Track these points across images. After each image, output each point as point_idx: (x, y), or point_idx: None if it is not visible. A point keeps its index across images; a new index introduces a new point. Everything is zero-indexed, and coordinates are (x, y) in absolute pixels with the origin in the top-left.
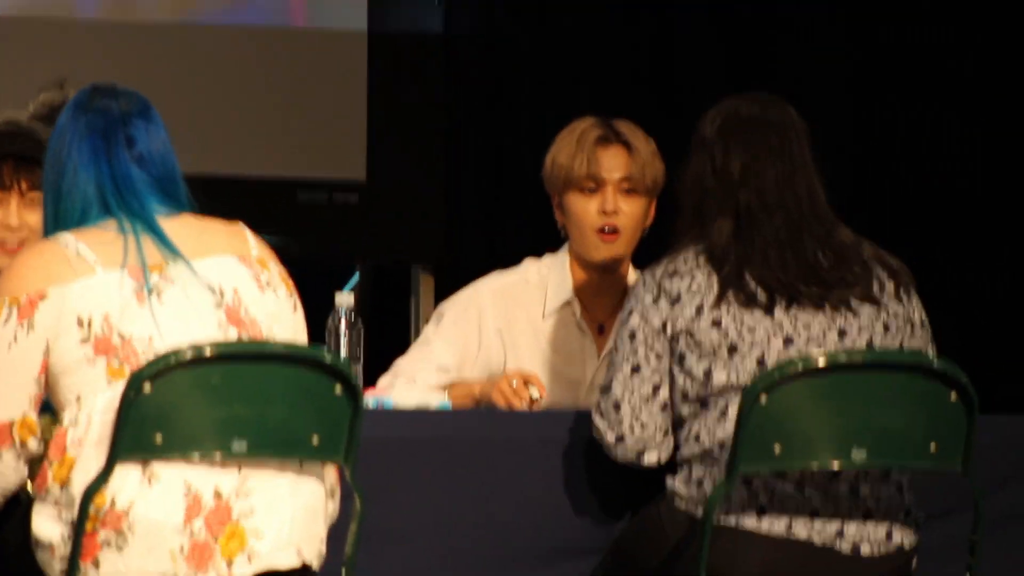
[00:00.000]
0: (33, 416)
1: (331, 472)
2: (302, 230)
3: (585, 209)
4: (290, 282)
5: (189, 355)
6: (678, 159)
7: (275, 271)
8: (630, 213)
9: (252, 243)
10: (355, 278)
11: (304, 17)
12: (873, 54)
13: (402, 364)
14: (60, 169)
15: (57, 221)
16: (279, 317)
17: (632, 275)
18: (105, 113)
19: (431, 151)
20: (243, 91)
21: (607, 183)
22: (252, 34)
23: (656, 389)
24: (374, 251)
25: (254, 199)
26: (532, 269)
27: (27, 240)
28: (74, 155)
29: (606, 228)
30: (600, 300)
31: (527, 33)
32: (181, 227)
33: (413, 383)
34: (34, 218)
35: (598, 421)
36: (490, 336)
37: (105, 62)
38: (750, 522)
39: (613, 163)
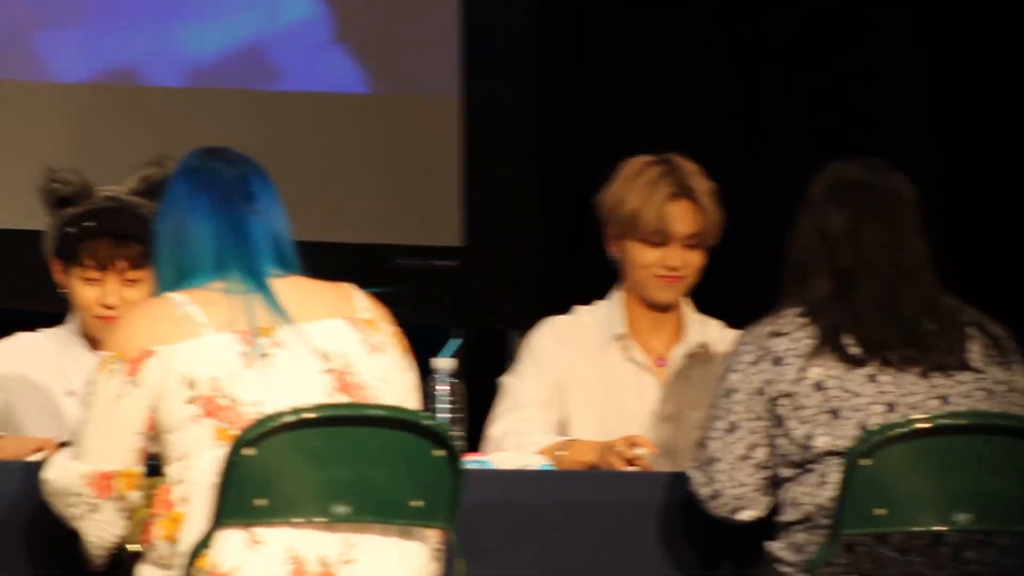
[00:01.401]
0: (136, 469)
1: (434, 536)
2: (398, 295)
3: (647, 258)
4: (402, 342)
5: (290, 418)
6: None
7: (385, 332)
8: (692, 264)
9: (360, 304)
10: (454, 343)
11: (397, 85)
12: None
13: (501, 427)
14: (175, 220)
15: (168, 272)
16: (390, 379)
17: (686, 308)
18: (220, 171)
19: (526, 216)
20: (339, 158)
21: (674, 239)
22: (347, 101)
23: (753, 448)
24: (471, 317)
25: (352, 265)
26: (584, 311)
27: None
28: (191, 208)
29: (670, 277)
30: (657, 335)
31: (620, 97)
32: (292, 289)
33: (522, 446)
34: (133, 294)
35: (695, 475)
36: (559, 372)
37: (197, 129)
38: None
39: (683, 220)
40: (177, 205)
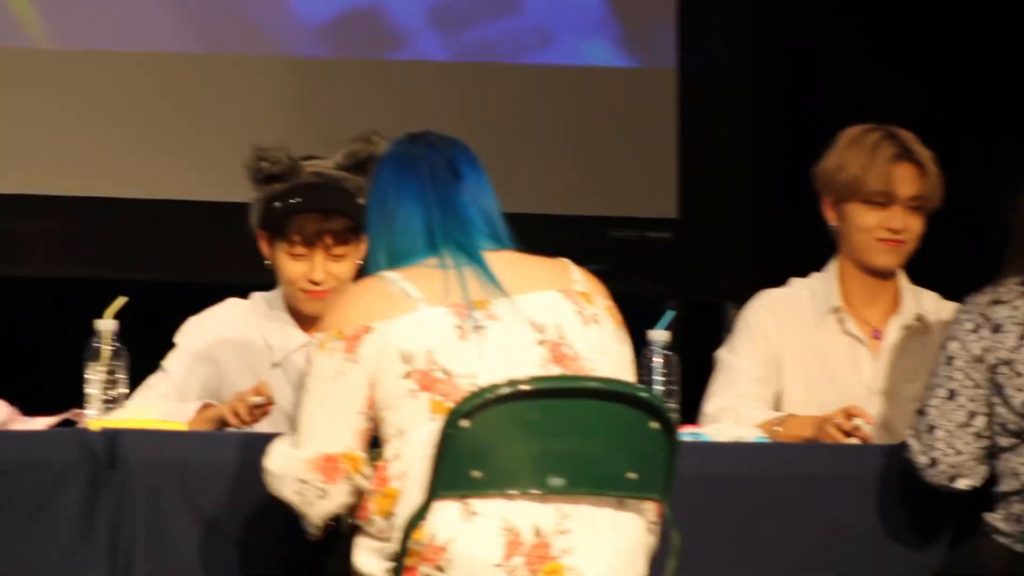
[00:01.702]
0: (360, 453)
1: (649, 508)
2: (613, 268)
3: (870, 220)
4: (617, 315)
5: (506, 390)
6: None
7: (600, 305)
8: (914, 229)
9: (576, 277)
10: (669, 315)
11: (614, 55)
12: None
13: (717, 404)
14: (385, 206)
15: (381, 258)
16: (604, 351)
17: (902, 280)
18: (429, 152)
19: (741, 187)
20: (555, 129)
21: (897, 200)
22: (561, 73)
23: (972, 416)
24: (686, 289)
25: (565, 237)
26: (798, 283)
27: (335, 289)
28: (401, 190)
29: (892, 243)
30: (873, 307)
31: (833, 67)
32: (505, 263)
33: (739, 422)
34: (340, 269)
35: (912, 443)
36: (775, 346)
37: (415, 103)
38: None
39: (906, 182)
40: (386, 190)
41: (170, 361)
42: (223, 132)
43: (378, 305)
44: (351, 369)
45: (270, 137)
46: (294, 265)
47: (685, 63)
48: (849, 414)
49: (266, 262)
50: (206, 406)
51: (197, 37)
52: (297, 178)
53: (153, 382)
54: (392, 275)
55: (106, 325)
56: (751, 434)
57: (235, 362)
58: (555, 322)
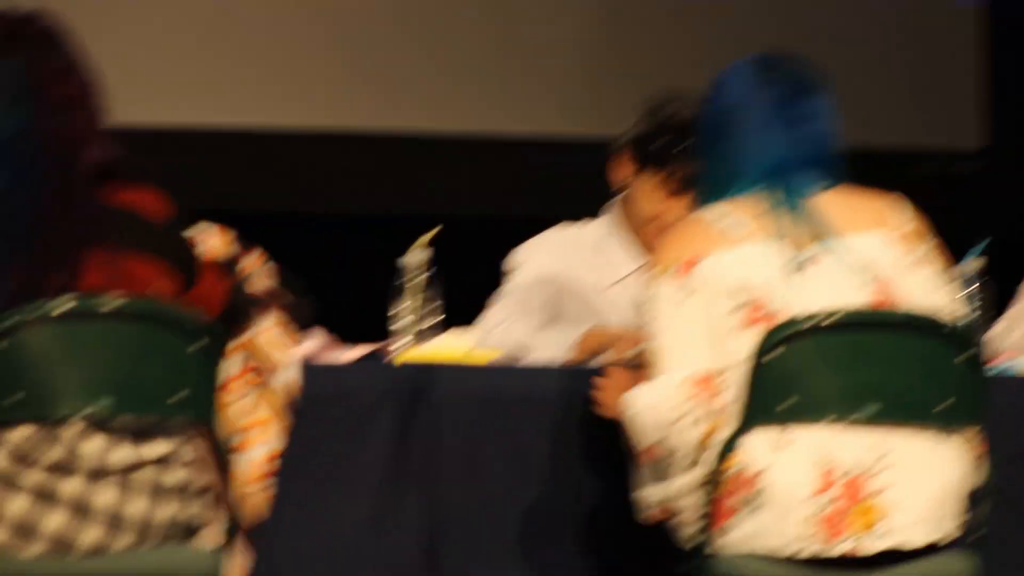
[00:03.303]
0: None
1: (971, 440)
2: (920, 201)
3: None
4: (943, 258)
5: (815, 322)
6: None
7: (927, 247)
8: None
9: (905, 218)
10: (983, 244)
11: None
12: None
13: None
14: (728, 125)
15: (718, 181)
16: (930, 294)
17: None
18: (789, 80)
19: None
20: (866, 59)
21: None
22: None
23: None
24: (996, 222)
25: (867, 173)
26: None
27: None
28: (750, 116)
29: None
30: None
31: None
32: (836, 202)
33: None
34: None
35: None
36: None
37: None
38: None
39: None
40: (731, 108)
41: (512, 287)
42: (527, 60)
43: (706, 239)
44: (688, 299)
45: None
46: (658, 203)
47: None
48: None
49: (617, 186)
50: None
51: None
52: (691, 124)
53: (502, 307)
54: (722, 208)
55: (414, 257)
56: None
57: (570, 285)
58: (882, 263)
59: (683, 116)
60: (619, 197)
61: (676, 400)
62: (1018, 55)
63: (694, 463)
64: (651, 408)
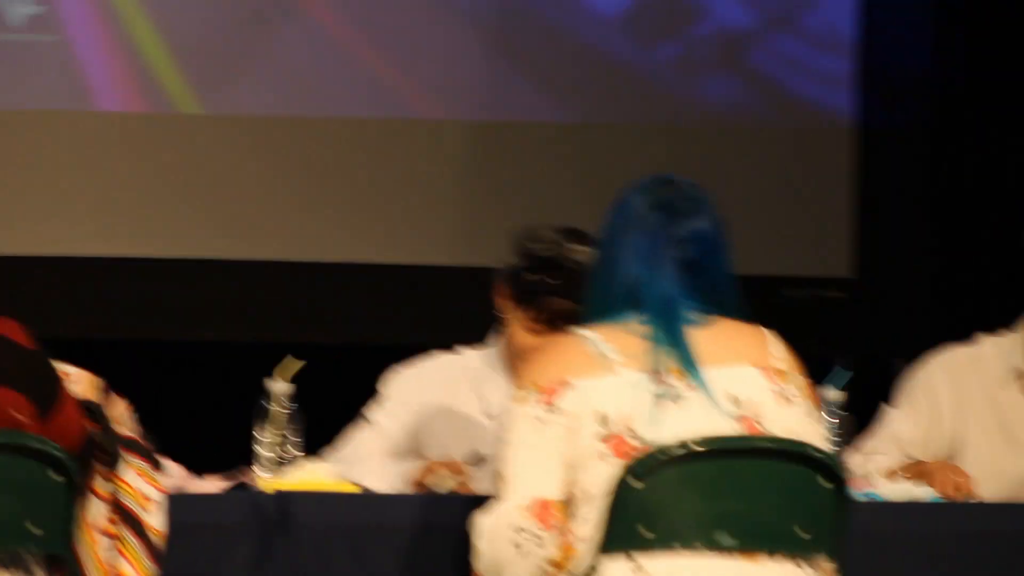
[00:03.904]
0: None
1: (826, 569)
2: (786, 328)
3: None
4: (812, 394)
5: (679, 451)
6: None
7: (796, 383)
8: None
9: (775, 353)
10: (844, 375)
11: (789, 115)
12: None
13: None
14: (609, 254)
15: (593, 308)
16: (799, 431)
17: None
18: (667, 208)
19: (920, 246)
20: (728, 189)
21: None
22: (735, 131)
23: None
24: (860, 349)
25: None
26: (986, 340)
27: None
28: (627, 245)
29: None
30: None
31: (1017, 125)
32: (709, 335)
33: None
34: None
35: None
36: (947, 409)
37: (559, 163)
38: None
39: None
40: (611, 236)
41: (378, 413)
42: (389, 194)
43: (577, 363)
44: (552, 420)
45: (441, 200)
46: (528, 338)
47: (860, 119)
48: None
49: (497, 313)
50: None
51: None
52: (561, 262)
53: (362, 436)
54: (591, 335)
55: (279, 386)
56: (925, 493)
57: (445, 415)
58: (752, 398)
59: (555, 252)
60: (503, 325)
61: (517, 522)
62: (886, 182)
63: None
64: (489, 534)
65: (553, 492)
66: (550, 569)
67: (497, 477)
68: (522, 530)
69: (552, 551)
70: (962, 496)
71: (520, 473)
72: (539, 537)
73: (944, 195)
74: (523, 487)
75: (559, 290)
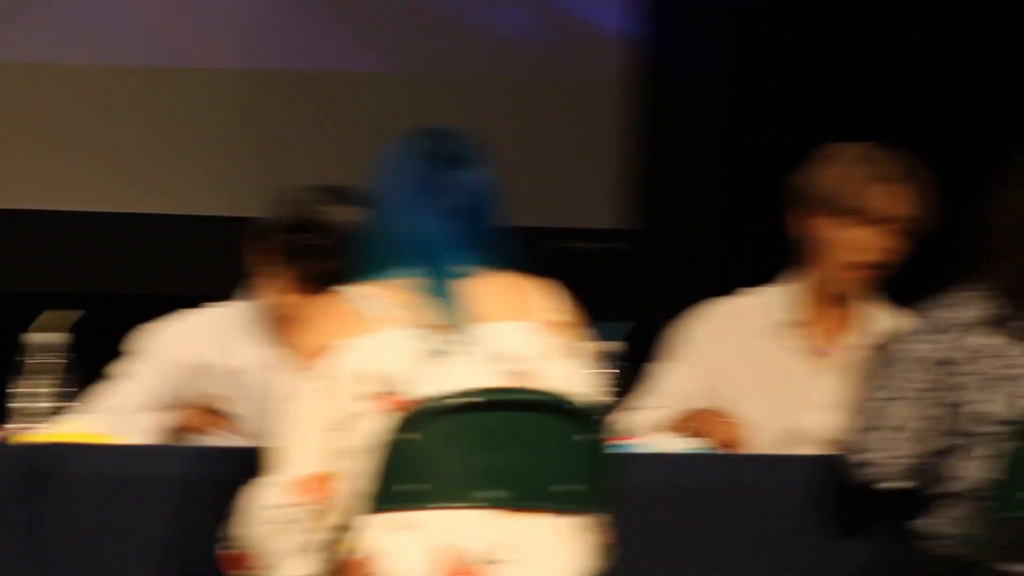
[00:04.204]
0: (338, 471)
1: (590, 519)
2: (571, 280)
3: (847, 240)
4: (589, 346)
5: (438, 404)
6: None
7: (572, 335)
8: (895, 252)
9: (552, 306)
10: (626, 327)
11: (579, 67)
12: None
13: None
14: (377, 208)
15: (365, 261)
16: (571, 386)
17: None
18: (435, 157)
19: (706, 198)
20: (516, 141)
21: (883, 221)
22: (523, 84)
23: (911, 419)
24: (645, 302)
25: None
26: (747, 295)
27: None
28: (396, 198)
29: (865, 264)
30: (823, 324)
31: (812, 82)
32: (482, 288)
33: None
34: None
35: (850, 442)
36: (714, 361)
37: (356, 114)
38: (1018, 567)
39: (895, 201)
40: (382, 190)
41: (129, 367)
42: (162, 143)
43: (345, 324)
44: (317, 387)
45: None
46: (292, 297)
47: (650, 72)
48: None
49: (248, 273)
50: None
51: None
52: (326, 222)
53: (121, 390)
54: (360, 292)
55: (37, 339)
56: (694, 443)
57: (200, 370)
58: (520, 353)
59: (319, 213)
60: (256, 282)
61: (293, 499)
62: (672, 137)
63: (303, 561)
64: (257, 512)
65: (320, 464)
66: (328, 536)
67: (266, 451)
68: (299, 506)
69: (326, 520)
70: (732, 447)
71: (288, 449)
72: (307, 511)
73: (732, 150)
74: (291, 462)
75: (324, 251)
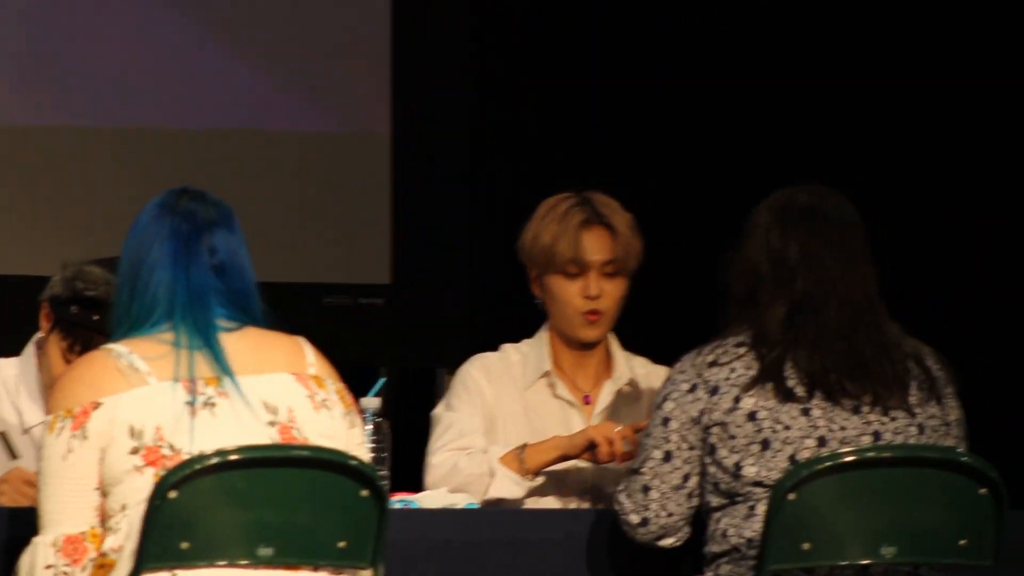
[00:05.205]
0: (99, 528)
1: None
2: (327, 334)
3: (568, 292)
4: (348, 399)
5: (214, 460)
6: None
7: (332, 389)
8: (612, 294)
9: (310, 360)
10: (381, 382)
11: (327, 121)
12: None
13: (444, 456)
14: (136, 267)
15: (122, 322)
16: (333, 436)
17: (613, 345)
18: (190, 217)
19: (456, 253)
20: (266, 197)
21: (591, 267)
22: (273, 138)
23: (686, 478)
24: (399, 355)
25: (280, 304)
26: (510, 348)
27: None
28: (154, 255)
29: (589, 310)
30: (582, 372)
31: (551, 136)
32: (242, 342)
33: (479, 463)
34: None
35: (624, 500)
36: (489, 408)
37: (132, 169)
38: None
39: (596, 246)
40: (137, 248)
41: None
42: None
43: (106, 379)
44: (80, 446)
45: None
46: (63, 365)
47: (398, 128)
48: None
49: (40, 335)
50: None
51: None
52: (103, 299)
53: None
54: (120, 348)
55: None
56: (462, 500)
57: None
58: (287, 405)
59: (96, 290)
60: (37, 342)
61: (49, 559)
62: (417, 192)
63: None
64: (30, 568)
65: (82, 524)
66: None
67: (36, 512)
68: (52, 567)
69: None
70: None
71: (51, 509)
72: (68, 573)
73: (480, 204)
74: (53, 524)
75: (99, 327)
